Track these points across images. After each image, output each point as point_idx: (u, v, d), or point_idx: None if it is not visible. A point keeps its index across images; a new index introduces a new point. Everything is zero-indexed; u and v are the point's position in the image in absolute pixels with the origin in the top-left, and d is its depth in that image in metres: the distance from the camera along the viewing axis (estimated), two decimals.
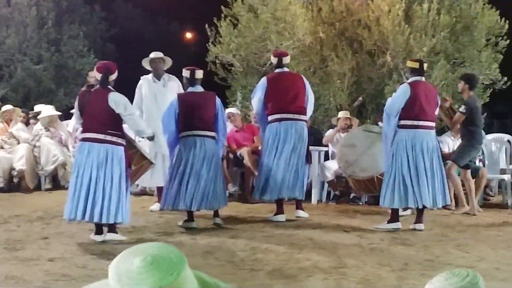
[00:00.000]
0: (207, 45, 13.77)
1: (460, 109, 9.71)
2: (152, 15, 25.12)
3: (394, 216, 8.19)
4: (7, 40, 17.74)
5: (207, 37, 13.78)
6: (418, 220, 8.25)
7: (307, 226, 8.38)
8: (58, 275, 5.64)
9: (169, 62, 9.87)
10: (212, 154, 8.17)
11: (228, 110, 11.78)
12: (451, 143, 11.10)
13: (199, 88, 8.38)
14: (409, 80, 8.30)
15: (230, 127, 11.74)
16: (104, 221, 7.05)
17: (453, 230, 8.42)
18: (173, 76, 9.83)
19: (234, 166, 11.37)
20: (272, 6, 13.17)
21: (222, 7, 13.54)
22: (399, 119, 8.09)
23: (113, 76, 7.33)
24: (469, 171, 9.89)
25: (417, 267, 6.18)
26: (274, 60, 9.08)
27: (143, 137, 8.08)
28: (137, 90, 9.85)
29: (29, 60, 17.83)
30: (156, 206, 9.31)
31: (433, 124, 8.37)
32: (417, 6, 12.51)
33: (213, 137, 8.26)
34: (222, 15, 13.57)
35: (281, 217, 8.61)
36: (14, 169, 11.72)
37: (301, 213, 8.82)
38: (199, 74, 8.46)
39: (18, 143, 12.04)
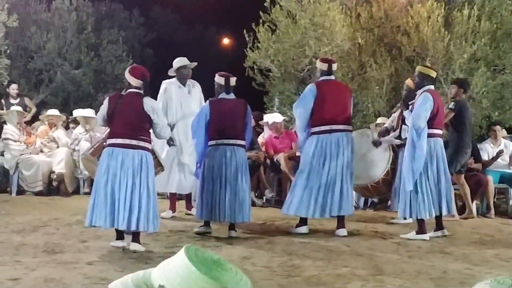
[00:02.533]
0: (245, 50, 13.81)
1: (449, 106, 9.57)
2: (190, 20, 25.22)
3: (423, 227, 8.11)
4: (47, 45, 17.95)
5: (245, 42, 13.82)
6: (442, 226, 8.27)
7: (344, 233, 8.35)
8: (97, 279, 5.68)
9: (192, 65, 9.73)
10: (244, 163, 8.04)
11: (269, 117, 11.79)
12: (491, 150, 11.02)
13: (231, 95, 8.18)
14: (426, 88, 8.15)
15: (268, 133, 11.78)
16: (142, 229, 6.92)
17: (492, 238, 8.34)
18: (196, 82, 9.75)
19: (271, 171, 11.40)
20: (311, 11, 13.17)
21: (261, 12, 13.56)
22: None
23: (147, 82, 7.20)
24: (462, 176, 9.91)
25: (456, 275, 6.13)
26: (323, 66, 8.45)
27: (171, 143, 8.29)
28: (161, 94, 9.60)
29: (69, 65, 18.01)
30: (167, 213, 9.28)
31: (441, 131, 8.38)
32: (457, 12, 12.42)
33: (243, 146, 8.13)
34: (260, 21, 13.60)
35: (304, 229, 8.31)
36: (53, 172, 11.89)
37: (341, 232, 8.21)
38: (233, 81, 8.24)
39: (58, 147, 12.20)
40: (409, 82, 9.22)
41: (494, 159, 10.91)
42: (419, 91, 8.21)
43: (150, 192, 6.93)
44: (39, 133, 12.51)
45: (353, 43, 13.07)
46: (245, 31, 13.68)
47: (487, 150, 11.08)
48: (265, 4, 13.52)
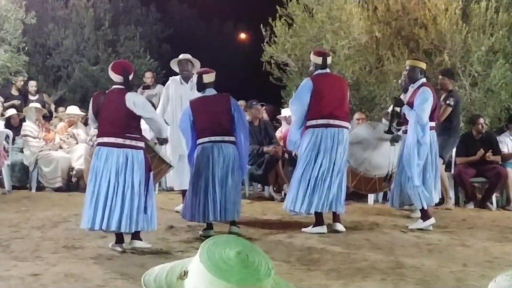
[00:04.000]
0: (262, 45, 13.81)
1: (448, 102, 9.63)
2: (207, 15, 25.25)
3: (427, 214, 8.25)
4: (64, 41, 18.03)
5: (262, 37, 13.82)
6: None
7: (363, 227, 8.35)
8: (117, 274, 5.71)
9: (197, 64, 9.49)
10: (233, 160, 7.67)
11: (287, 111, 11.77)
12: (511, 143, 10.94)
13: (211, 92, 7.89)
14: (422, 81, 8.22)
15: (286, 127, 11.77)
16: (123, 229, 6.64)
17: None
18: None
19: (290, 166, 11.38)
20: (327, 5, 13.14)
21: (277, 7, 13.55)
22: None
23: (131, 76, 6.96)
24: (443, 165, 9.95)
25: (477, 268, 6.11)
26: (317, 60, 8.15)
27: (158, 140, 7.53)
28: (164, 90, 9.72)
29: (87, 61, 18.08)
30: (181, 207, 9.20)
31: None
32: (474, 4, 12.34)
33: (232, 142, 7.75)
34: (277, 15, 13.60)
35: (323, 229, 7.93)
36: (72, 168, 11.92)
37: (339, 226, 8.04)
38: (208, 77, 7.94)
39: (77, 143, 12.25)
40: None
41: None
42: (414, 85, 8.23)
43: (135, 191, 6.60)
44: (58, 130, 12.56)
45: (370, 37, 13.03)
46: (262, 25, 13.68)
47: (506, 142, 11.02)
48: None
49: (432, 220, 8.16)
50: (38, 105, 12.71)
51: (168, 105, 9.53)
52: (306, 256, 6.65)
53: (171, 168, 8.28)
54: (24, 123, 12.34)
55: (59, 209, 9.40)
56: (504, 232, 8.21)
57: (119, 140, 6.67)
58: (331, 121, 7.90)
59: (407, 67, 8.40)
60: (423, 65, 8.36)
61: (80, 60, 18.09)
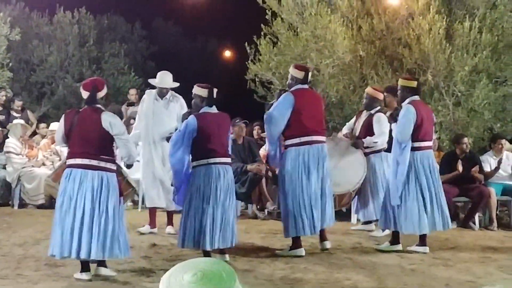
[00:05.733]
0: (246, 63, 13.84)
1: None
2: (191, 33, 25.31)
3: (423, 240, 8.04)
4: (49, 58, 18.00)
5: (247, 55, 13.86)
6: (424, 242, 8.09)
7: (346, 245, 8.35)
8: None
9: (170, 83, 9.25)
10: (232, 183, 7.37)
11: None
12: (493, 162, 11.00)
13: (214, 109, 7.43)
14: (408, 100, 7.95)
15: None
16: (101, 257, 6.31)
17: (495, 251, 8.32)
18: (177, 96, 9.30)
19: (273, 184, 11.38)
20: (312, 24, 13.20)
21: (262, 25, 13.60)
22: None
23: (101, 93, 6.59)
24: None
25: None
26: (299, 74, 7.92)
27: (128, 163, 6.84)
28: (140, 104, 9.47)
29: (71, 78, 18.05)
30: (146, 228, 9.01)
31: (429, 143, 8.15)
32: (458, 24, 12.43)
33: (230, 164, 7.47)
34: (262, 33, 13.64)
35: (301, 251, 7.71)
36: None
37: (328, 244, 8.02)
38: (215, 93, 7.56)
39: (60, 159, 12.20)
40: (369, 90, 9.34)
41: (497, 169, 10.88)
42: (403, 104, 8.03)
43: (109, 216, 6.29)
44: (41, 146, 12.52)
45: (354, 55, 13.10)
46: (246, 43, 13.73)
47: (489, 161, 11.06)
48: (267, 17, 13.56)
49: (399, 247, 7.98)
50: (22, 121, 12.67)
51: (139, 121, 9.34)
52: (289, 275, 6.65)
53: (135, 192, 8.02)
54: (7, 140, 12.31)
55: (42, 226, 9.36)
56: (487, 252, 8.22)
57: (93, 162, 6.33)
58: (315, 138, 7.77)
59: (398, 87, 8.17)
60: (412, 84, 8.06)
61: (64, 76, 18.06)
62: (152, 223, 9.10)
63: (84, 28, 18.69)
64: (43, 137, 12.96)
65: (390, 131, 8.50)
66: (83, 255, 6.22)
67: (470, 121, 12.35)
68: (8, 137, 12.36)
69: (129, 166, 6.93)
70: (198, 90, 7.44)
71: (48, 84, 18.22)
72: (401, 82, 8.22)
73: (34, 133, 13.77)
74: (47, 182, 7.54)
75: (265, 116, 7.97)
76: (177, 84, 9.25)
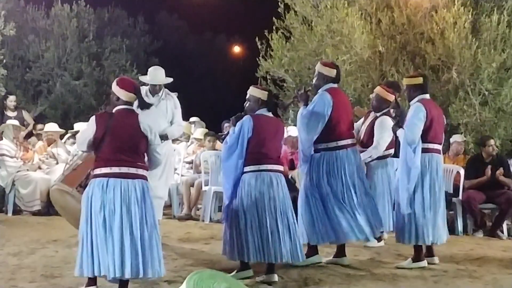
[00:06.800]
0: (257, 59, 13.86)
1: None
2: (198, 27, 25.36)
3: (419, 254, 7.85)
4: (45, 54, 18.06)
5: (258, 51, 13.88)
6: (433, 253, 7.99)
7: (364, 255, 8.33)
8: None
9: (163, 79, 9.06)
10: (288, 194, 7.19)
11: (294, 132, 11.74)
12: None
13: (270, 113, 7.18)
14: (417, 99, 7.83)
15: (283, 148, 11.76)
16: (150, 275, 6.03)
17: None
18: (171, 94, 9.11)
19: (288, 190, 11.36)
20: (328, 17, 13.20)
21: (274, 19, 13.61)
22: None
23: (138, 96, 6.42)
24: None
25: None
26: (330, 72, 7.81)
27: None
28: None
29: (69, 75, 18.11)
30: None
31: (439, 146, 8.02)
32: (485, 18, 12.41)
33: (283, 173, 7.28)
34: (274, 28, 13.65)
35: (318, 258, 7.76)
36: None
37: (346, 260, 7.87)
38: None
39: (57, 163, 12.22)
40: (379, 90, 9.04)
41: None
42: (411, 103, 7.91)
43: (156, 227, 6.17)
44: (37, 149, 12.55)
45: (373, 51, 13.08)
46: (257, 38, 13.75)
47: None
48: (279, 10, 13.58)
49: (424, 263, 7.78)
50: (16, 122, 12.69)
51: None
52: (302, 287, 6.65)
53: None
54: (0, 141, 12.32)
55: (37, 235, 9.38)
56: None
57: (132, 170, 6.10)
58: (344, 142, 7.70)
59: (404, 87, 8.10)
60: (418, 81, 7.93)
61: (62, 74, 18.11)
62: None
63: (83, 22, 18.74)
64: (40, 138, 13.00)
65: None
66: (127, 275, 5.95)
67: (498, 122, 12.31)
68: (2, 139, 12.37)
69: None
70: (256, 92, 7.20)
71: (45, 82, 18.27)
72: (406, 81, 8.11)
73: (29, 135, 13.81)
74: (58, 187, 7.10)
75: (299, 118, 7.83)
76: (170, 80, 9.05)
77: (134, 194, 6.04)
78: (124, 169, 6.06)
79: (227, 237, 6.98)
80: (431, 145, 7.83)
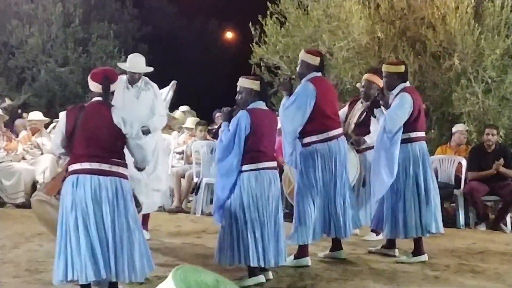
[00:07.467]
0: (250, 45, 13.84)
1: None
2: (189, 12, 25.26)
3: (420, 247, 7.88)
4: (29, 40, 18.04)
5: (251, 36, 13.86)
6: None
7: (362, 249, 8.34)
8: None
9: (143, 67, 8.78)
10: (280, 190, 7.17)
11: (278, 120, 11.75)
12: None
13: (264, 105, 6.99)
14: (401, 87, 7.80)
15: (277, 138, 11.76)
16: (127, 279, 5.84)
17: None
18: (151, 83, 8.82)
19: (280, 181, 11.37)
20: (324, 2, 13.20)
21: (268, 3, 13.59)
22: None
23: (114, 86, 6.16)
24: None
25: None
26: (314, 60, 7.69)
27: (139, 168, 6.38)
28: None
29: (54, 62, 18.09)
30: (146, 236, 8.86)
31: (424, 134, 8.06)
32: (488, 2, 12.40)
33: (277, 169, 7.13)
34: (268, 12, 13.63)
35: (307, 260, 7.55)
36: (37, 182, 11.88)
37: (343, 254, 7.93)
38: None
39: (42, 153, 12.21)
40: (369, 76, 8.96)
41: None
42: (394, 91, 7.87)
43: (131, 230, 5.87)
44: (21, 139, 12.52)
45: (371, 37, 13.07)
46: (250, 24, 13.72)
47: None
48: None
49: (424, 257, 7.81)
50: None
51: None
52: (298, 282, 6.66)
53: (140, 211, 7.66)
54: None
55: (21, 228, 9.37)
56: None
57: (105, 166, 5.84)
58: (331, 133, 7.61)
59: (383, 74, 7.99)
60: (400, 69, 7.90)
61: (47, 60, 18.09)
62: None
63: (69, 7, 18.73)
64: (23, 128, 12.97)
65: None
66: (120, 278, 5.82)
67: (502, 111, 12.31)
68: None
69: (139, 170, 6.49)
70: (248, 83, 6.96)
71: (29, 69, 18.26)
72: (386, 68, 8.05)
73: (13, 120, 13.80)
74: (37, 197, 6.74)
75: (281, 110, 7.75)
76: (150, 69, 8.82)
77: (105, 192, 5.80)
78: (95, 165, 5.81)
79: (226, 241, 6.73)
80: (419, 133, 7.87)
